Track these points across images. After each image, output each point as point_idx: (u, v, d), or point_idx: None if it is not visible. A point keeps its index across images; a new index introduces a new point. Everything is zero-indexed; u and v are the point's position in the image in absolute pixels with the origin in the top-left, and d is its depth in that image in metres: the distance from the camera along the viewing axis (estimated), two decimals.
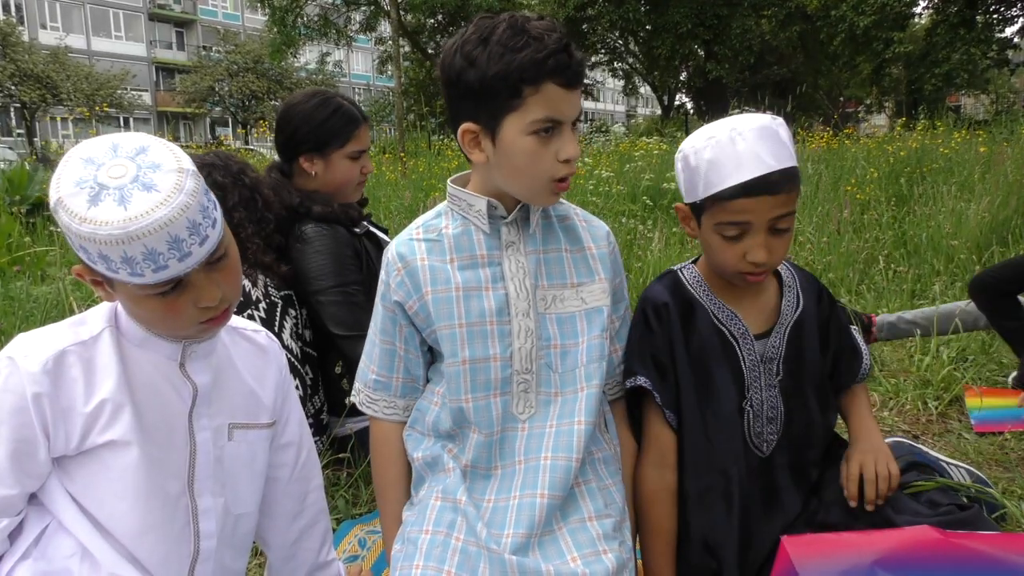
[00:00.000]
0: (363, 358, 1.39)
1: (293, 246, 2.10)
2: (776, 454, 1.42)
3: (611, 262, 1.37)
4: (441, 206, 1.34)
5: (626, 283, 1.45)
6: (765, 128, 1.27)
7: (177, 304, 1.01)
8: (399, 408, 1.37)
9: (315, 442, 1.60)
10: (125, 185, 0.92)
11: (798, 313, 1.43)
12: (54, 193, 0.93)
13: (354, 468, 2.11)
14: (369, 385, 1.38)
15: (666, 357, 1.40)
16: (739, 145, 1.25)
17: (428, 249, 1.29)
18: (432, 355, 1.36)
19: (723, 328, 1.41)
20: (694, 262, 1.49)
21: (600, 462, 1.33)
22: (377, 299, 1.35)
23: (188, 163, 0.97)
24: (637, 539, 1.42)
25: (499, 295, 1.27)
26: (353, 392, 1.42)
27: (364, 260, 2.16)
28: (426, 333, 1.31)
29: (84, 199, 0.91)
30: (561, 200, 1.35)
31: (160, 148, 0.97)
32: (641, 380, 1.40)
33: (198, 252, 0.97)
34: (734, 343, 1.40)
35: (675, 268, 1.49)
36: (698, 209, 1.34)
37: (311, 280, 2.06)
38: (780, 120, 1.30)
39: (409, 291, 1.29)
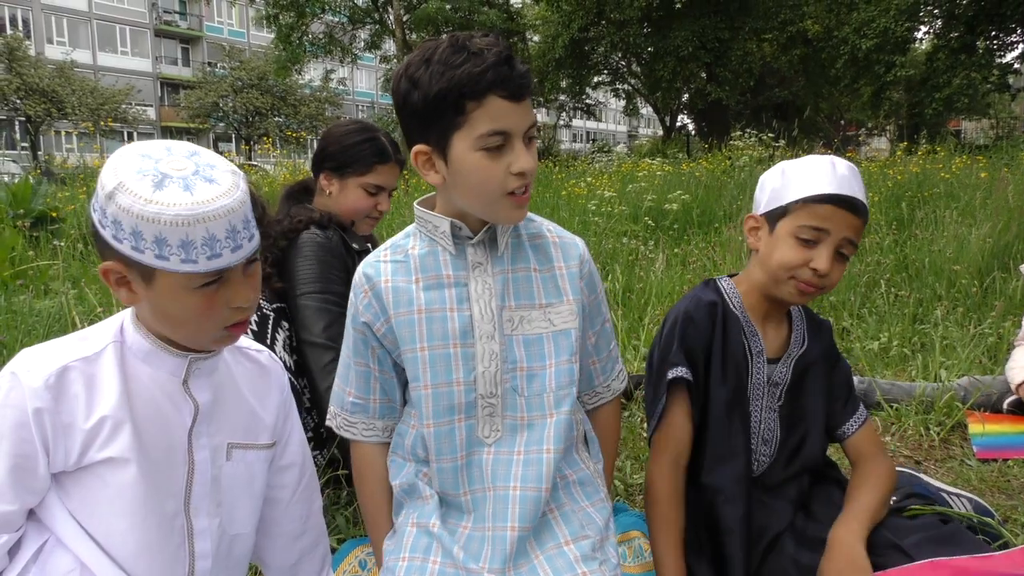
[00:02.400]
0: (338, 381, 1.38)
1: (288, 254, 2.12)
2: (765, 477, 1.49)
3: (583, 281, 1.34)
4: (410, 227, 1.34)
5: (605, 299, 1.45)
6: (855, 169, 1.40)
7: (214, 300, 1.03)
8: (379, 429, 1.36)
9: (314, 456, 1.59)
10: (188, 176, 0.97)
11: (802, 350, 1.52)
12: (111, 180, 0.94)
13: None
14: (346, 408, 1.36)
15: (702, 355, 1.46)
16: (838, 168, 1.39)
17: (394, 270, 1.29)
18: (407, 376, 1.34)
19: (745, 342, 1.48)
20: (730, 276, 1.56)
21: (575, 485, 1.31)
22: (348, 321, 1.34)
23: (236, 168, 1.03)
24: (633, 546, 1.43)
25: (463, 316, 1.25)
26: (328, 416, 1.40)
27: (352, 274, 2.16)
28: (395, 355, 1.30)
29: (149, 183, 0.94)
30: (532, 217, 1.34)
31: (210, 154, 1.03)
32: (681, 371, 1.43)
33: (247, 247, 1.02)
34: (749, 359, 1.48)
35: (715, 278, 1.56)
36: (776, 216, 1.41)
37: (295, 284, 2.06)
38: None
39: (376, 313, 1.28)
